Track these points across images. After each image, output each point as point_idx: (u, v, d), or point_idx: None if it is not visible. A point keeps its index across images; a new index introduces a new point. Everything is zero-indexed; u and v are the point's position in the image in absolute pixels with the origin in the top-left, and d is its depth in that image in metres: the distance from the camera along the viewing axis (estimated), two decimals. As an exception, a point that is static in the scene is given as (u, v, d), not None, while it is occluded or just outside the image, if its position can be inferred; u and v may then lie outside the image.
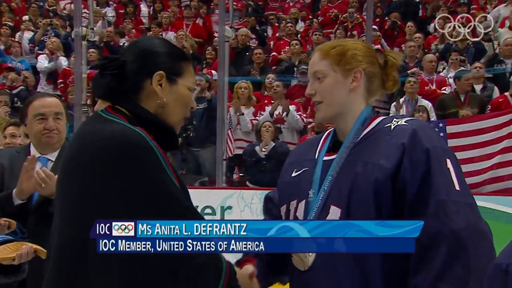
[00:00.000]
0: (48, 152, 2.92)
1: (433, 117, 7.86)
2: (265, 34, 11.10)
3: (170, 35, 10.90)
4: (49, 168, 2.85)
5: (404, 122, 1.82)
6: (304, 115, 8.28)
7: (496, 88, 8.71)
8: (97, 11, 10.79)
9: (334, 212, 1.79)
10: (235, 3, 9.82)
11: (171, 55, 1.77)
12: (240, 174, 8.12)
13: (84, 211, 1.60)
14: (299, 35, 10.49)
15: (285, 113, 8.03)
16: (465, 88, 8.36)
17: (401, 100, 8.27)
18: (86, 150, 1.65)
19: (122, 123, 1.67)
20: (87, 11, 9.11)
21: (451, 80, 8.84)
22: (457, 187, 1.74)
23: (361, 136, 1.86)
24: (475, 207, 1.76)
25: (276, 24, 11.47)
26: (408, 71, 8.81)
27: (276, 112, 8.07)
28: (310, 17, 11.51)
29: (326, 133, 2.02)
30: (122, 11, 12.32)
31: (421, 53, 9.54)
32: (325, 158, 1.91)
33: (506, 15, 10.19)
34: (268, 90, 8.58)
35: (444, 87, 8.86)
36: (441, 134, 6.52)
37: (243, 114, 8.11)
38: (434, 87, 8.85)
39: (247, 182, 7.56)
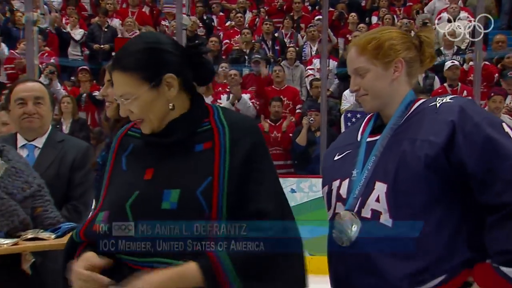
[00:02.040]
0: (34, 138, 2.79)
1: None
2: (212, 23, 10.93)
3: (116, 22, 10.63)
4: (36, 155, 2.74)
5: (449, 99, 1.80)
6: (257, 103, 8.25)
7: (436, 78, 8.97)
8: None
9: (380, 188, 1.76)
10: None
11: None
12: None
13: None
14: (247, 25, 10.38)
15: (236, 100, 7.95)
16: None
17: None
18: None
19: None
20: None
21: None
22: None
23: (405, 117, 1.85)
24: None
25: (221, 13, 11.35)
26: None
27: (234, 101, 7.96)
28: (255, 8, 11.45)
29: (367, 117, 2.00)
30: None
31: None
32: (369, 139, 1.89)
33: (441, 8, 10.48)
34: (222, 78, 8.44)
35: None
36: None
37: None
38: None
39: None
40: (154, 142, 1.69)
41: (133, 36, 2.15)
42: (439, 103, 1.81)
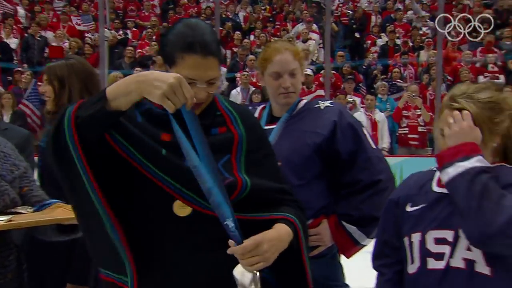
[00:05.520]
0: None
1: (259, 99, 7.97)
2: (127, 36, 10.45)
3: (49, 34, 9.86)
4: None
5: (329, 103, 1.85)
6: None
7: None
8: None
9: None
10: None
11: (170, 43, 1.31)
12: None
13: None
14: (154, 38, 10.02)
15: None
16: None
17: (238, 88, 8.41)
18: None
19: None
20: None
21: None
22: (373, 146, 1.82)
23: (294, 112, 1.84)
24: (384, 158, 1.88)
25: (134, 29, 10.89)
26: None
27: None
28: (161, 24, 11.08)
29: (260, 108, 1.93)
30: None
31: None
32: (266, 127, 1.82)
33: (300, 31, 10.75)
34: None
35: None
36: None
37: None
38: (255, 79, 9.09)
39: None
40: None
41: (198, 24, 1.33)
42: (322, 105, 1.84)
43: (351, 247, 1.80)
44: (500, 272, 1.22)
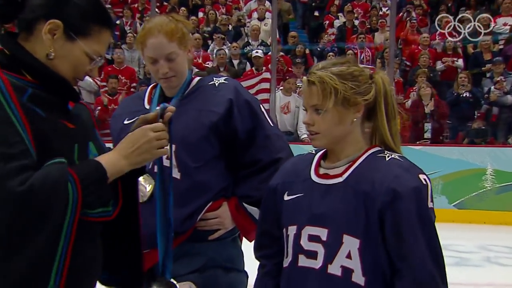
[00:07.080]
0: None
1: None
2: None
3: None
4: None
5: (224, 80, 1.81)
6: (98, 79, 7.46)
7: (248, 64, 8.77)
8: None
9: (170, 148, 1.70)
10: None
11: (85, 11, 1.20)
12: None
13: None
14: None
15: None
16: (223, 62, 8.35)
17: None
18: None
19: None
20: None
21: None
22: (271, 124, 1.80)
23: (187, 91, 1.78)
24: (283, 135, 1.89)
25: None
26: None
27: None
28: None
29: (149, 88, 1.87)
30: None
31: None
32: (158, 107, 1.73)
33: (254, 8, 10.25)
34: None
35: (207, 62, 8.66)
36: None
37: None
38: (200, 60, 8.62)
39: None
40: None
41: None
42: (217, 82, 1.79)
43: (253, 229, 1.73)
44: (373, 282, 1.25)
